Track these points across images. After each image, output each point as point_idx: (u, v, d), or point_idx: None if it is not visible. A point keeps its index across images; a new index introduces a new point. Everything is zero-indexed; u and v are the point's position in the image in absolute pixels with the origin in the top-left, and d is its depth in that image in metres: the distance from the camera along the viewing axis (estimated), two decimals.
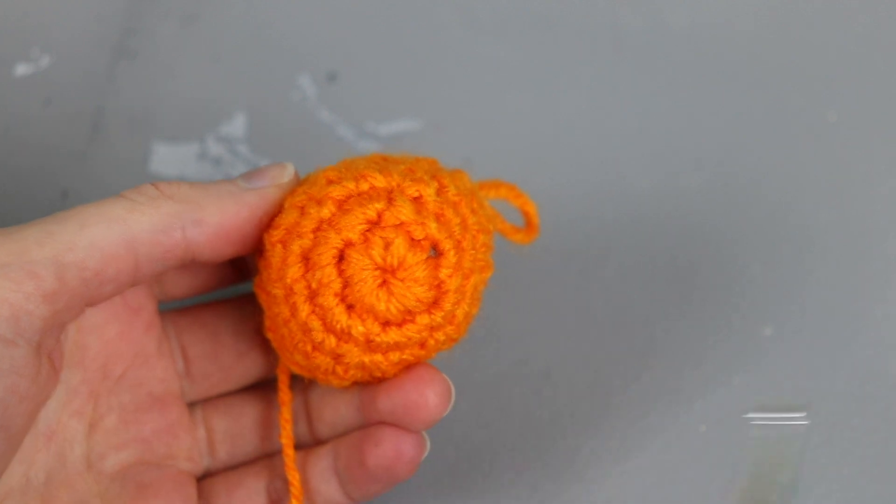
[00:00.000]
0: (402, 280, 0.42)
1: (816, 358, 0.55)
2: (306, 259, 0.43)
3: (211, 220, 0.43)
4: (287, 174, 0.45)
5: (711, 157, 0.61)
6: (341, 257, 0.43)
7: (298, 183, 0.46)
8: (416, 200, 0.43)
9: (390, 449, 0.45)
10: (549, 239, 0.56)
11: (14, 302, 0.40)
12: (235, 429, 0.49)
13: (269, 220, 0.45)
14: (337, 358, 0.44)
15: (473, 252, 0.44)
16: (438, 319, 0.43)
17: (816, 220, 0.59)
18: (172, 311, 0.49)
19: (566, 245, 0.58)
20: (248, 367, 0.49)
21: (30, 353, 0.41)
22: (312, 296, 0.43)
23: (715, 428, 0.53)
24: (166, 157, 0.60)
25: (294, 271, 0.43)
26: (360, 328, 0.43)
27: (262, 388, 0.50)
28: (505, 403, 0.54)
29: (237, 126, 0.61)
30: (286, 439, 0.47)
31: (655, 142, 0.61)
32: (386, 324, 0.43)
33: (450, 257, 0.43)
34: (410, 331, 0.43)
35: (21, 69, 0.62)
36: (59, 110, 0.61)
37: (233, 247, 0.44)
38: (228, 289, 0.50)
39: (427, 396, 0.45)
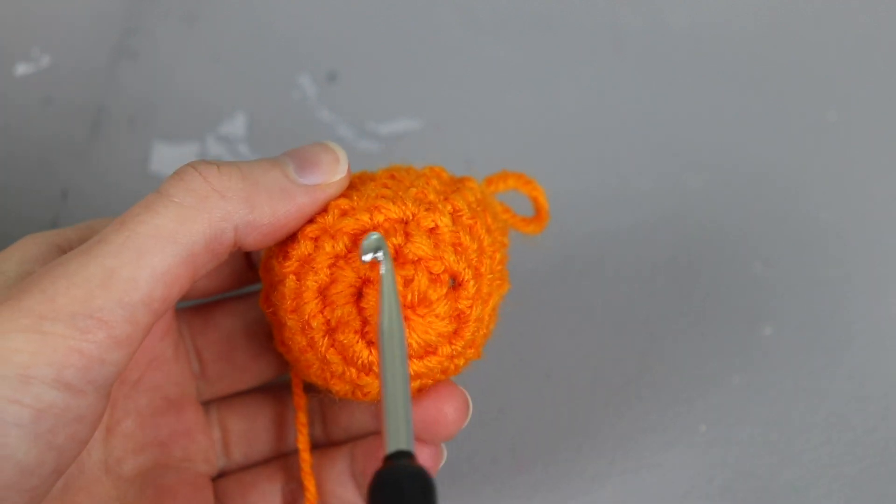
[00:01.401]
0: (422, 316, 0.42)
1: (816, 358, 0.55)
2: (323, 295, 0.42)
3: (262, 222, 0.42)
4: (341, 171, 0.43)
5: (711, 157, 0.61)
6: (359, 294, 0.42)
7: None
8: (432, 231, 0.42)
9: None
10: (549, 239, 0.56)
11: (86, 351, 0.38)
12: (251, 429, 0.49)
13: (314, 214, 0.43)
14: (357, 387, 0.44)
15: (491, 276, 0.44)
16: (459, 348, 0.43)
17: (816, 220, 0.59)
18: (186, 310, 0.49)
19: (566, 245, 0.58)
20: (263, 367, 0.49)
21: (97, 400, 0.39)
22: (331, 331, 0.42)
23: (715, 428, 0.53)
24: (166, 156, 0.60)
25: (311, 307, 0.42)
26: None
27: (277, 388, 0.50)
28: (505, 403, 0.54)
29: (237, 126, 0.61)
30: (302, 444, 0.46)
31: (655, 141, 0.61)
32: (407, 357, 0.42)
33: (469, 288, 0.42)
34: (432, 362, 0.43)
35: (21, 69, 0.62)
36: (59, 109, 0.61)
37: (275, 240, 0.43)
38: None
39: (445, 412, 0.44)
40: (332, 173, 0.43)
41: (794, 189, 0.60)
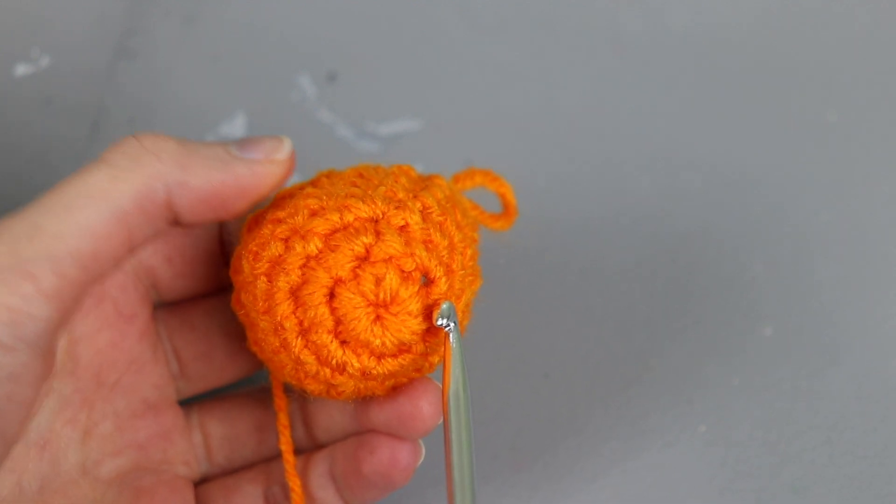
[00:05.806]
0: (395, 315, 0.42)
1: (816, 358, 0.55)
2: (295, 296, 0.42)
3: (195, 184, 0.42)
4: (283, 151, 0.44)
5: (711, 157, 0.61)
6: (331, 294, 0.42)
7: (278, 197, 0.45)
8: (403, 229, 0.42)
9: (385, 457, 0.45)
10: (549, 238, 0.56)
11: (13, 306, 0.38)
12: (232, 434, 0.49)
13: (256, 194, 0.44)
14: (331, 387, 0.44)
15: (463, 271, 0.44)
16: (433, 346, 0.43)
17: (816, 220, 0.59)
18: (163, 310, 0.49)
19: (566, 244, 0.58)
20: (241, 365, 0.49)
21: (31, 357, 0.39)
22: (304, 332, 0.42)
23: (715, 428, 0.53)
24: None
25: (284, 308, 0.42)
26: (356, 363, 0.42)
27: (258, 392, 0.50)
28: (505, 403, 0.54)
29: (237, 126, 0.61)
30: (285, 446, 0.46)
31: (655, 141, 0.61)
32: (381, 356, 0.43)
33: (441, 285, 0.42)
34: (406, 360, 0.43)
35: (21, 69, 0.62)
36: (59, 110, 0.61)
37: (214, 213, 0.43)
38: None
39: (421, 407, 0.44)
40: (273, 152, 0.44)
41: (794, 189, 0.60)
